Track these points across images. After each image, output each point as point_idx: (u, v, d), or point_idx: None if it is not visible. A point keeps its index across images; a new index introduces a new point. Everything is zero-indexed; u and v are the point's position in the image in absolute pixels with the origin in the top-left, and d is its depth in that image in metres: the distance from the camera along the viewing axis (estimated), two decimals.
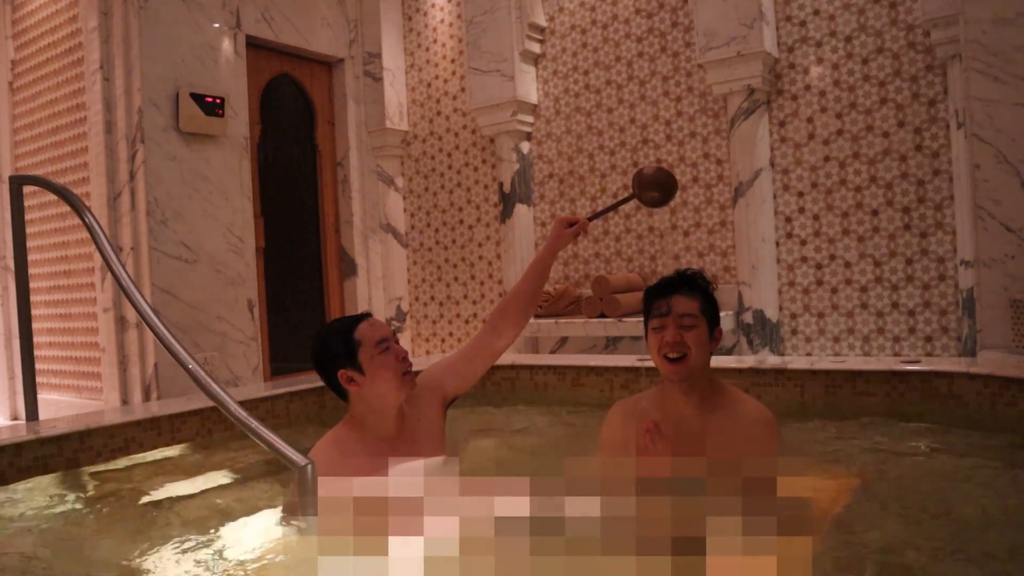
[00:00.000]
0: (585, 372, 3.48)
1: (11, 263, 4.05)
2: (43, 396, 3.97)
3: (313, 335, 2.08)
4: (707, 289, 1.96)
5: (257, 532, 1.92)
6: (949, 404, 2.74)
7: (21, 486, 2.37)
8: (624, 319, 4.50)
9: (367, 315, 2.11)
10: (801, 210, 4.46)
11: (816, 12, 4.39)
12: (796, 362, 3.18)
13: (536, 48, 5.37)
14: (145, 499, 2.26)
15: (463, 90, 5.73)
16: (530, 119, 5.41)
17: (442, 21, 5.87)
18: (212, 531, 1.91)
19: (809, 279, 4.45)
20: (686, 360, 1.88)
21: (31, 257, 3.63)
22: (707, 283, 1.97)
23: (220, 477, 2.47)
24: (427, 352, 6.11)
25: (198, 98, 4.64)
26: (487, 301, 5.69)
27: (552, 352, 5.18)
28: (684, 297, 1.92)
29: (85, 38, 4.64)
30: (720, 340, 1.99)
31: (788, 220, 4.50)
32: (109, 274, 4.05)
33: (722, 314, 2.24)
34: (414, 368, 2.05)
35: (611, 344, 4.93)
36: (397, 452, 2.04)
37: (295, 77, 5.72)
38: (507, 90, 5.27)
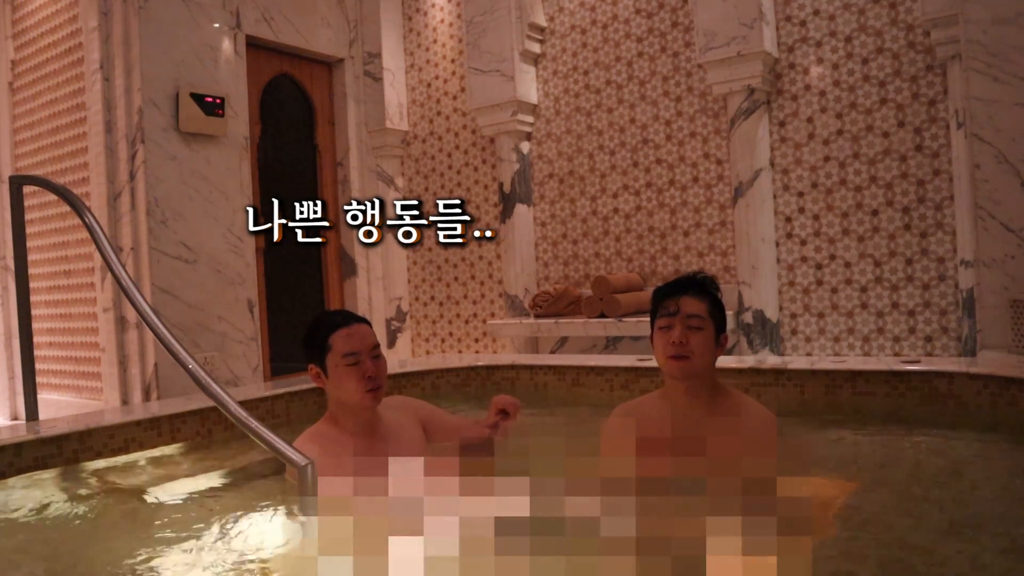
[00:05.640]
0: (585, 372, 3.48)
1: (11, 263, 4.04)
2: (43, 396, 3.96)
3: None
4: (716, 294, 1.97)
5: (257, 532, 1.92)
6: (949, 404, 2.74)
7: (21, 485, 2.37)
8: (624, 319, 4.50)
9: (353, 321, 2.12)
10: (801, 210, 4.46)
11: (816, 12, 4.39)
12: (796, 362, 3.18)
13: (536, 48, 5.37)
14: (145, 499, 2.26)
15: (463, 90, 5.73)
16: (530, 119, 5.41)
17: (442, 21, 5.87)
18: (212, 531, 1.91)
19: (809, 279, 4.45)
20: (690, 359, 1.88)
21: (31, 257, 3.62)
22: (717, 288, 1.98)
23: (220, 477, 2.47)
24: (427, 352, 6.11)
25: (198, 98, 4.64)
26: (487, 301, 5.69)
27: (552, 352, 5.18)
28: (693, 298, 1.92)
29: (85, 38, 4.64)
30: (726, 346, 1.98)
31: (788, 220, 4.50)
32: (109, 274, 4.05)
33: None
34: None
35: (611, 344, 4.93)
36: (374, 451, 2.05)
37: (295, 77, 5.72)
38: (507, 90, 5.27)
